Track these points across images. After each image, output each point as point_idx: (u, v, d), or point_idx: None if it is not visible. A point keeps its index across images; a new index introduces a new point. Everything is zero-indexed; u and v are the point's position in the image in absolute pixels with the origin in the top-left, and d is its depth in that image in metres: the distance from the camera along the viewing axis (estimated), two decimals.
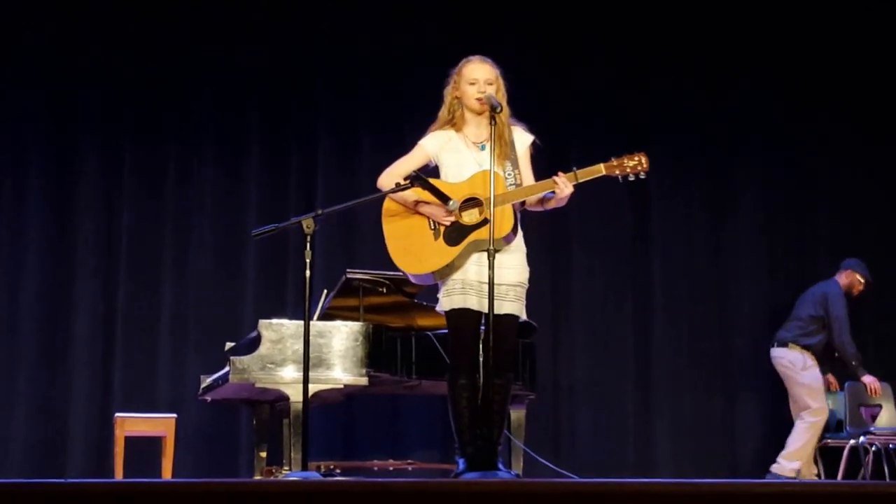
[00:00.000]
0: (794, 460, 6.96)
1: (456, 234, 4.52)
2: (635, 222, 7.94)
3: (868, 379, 7.19)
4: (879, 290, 7.71)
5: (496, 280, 4.35)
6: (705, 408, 7.78)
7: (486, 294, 4.33)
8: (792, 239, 8.03)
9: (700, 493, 3.11)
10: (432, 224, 4.56)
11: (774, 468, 7.02)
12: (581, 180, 4.49)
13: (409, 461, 6.60)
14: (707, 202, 8.02)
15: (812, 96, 8.08)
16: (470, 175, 4.55)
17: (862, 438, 7.14)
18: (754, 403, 7.81)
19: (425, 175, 4.53)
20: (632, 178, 4.54)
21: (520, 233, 4.60)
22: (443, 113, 4.68)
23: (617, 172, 4.53)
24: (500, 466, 4.45)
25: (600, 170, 4.52)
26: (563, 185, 4.45)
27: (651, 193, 7.91)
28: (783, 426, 7.69)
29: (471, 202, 4.51)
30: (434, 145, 4.66)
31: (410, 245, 4.58)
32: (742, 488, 3.25)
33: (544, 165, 4.67)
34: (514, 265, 4.54)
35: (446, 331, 4.66)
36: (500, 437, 4.56)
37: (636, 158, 4.53)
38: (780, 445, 7.45)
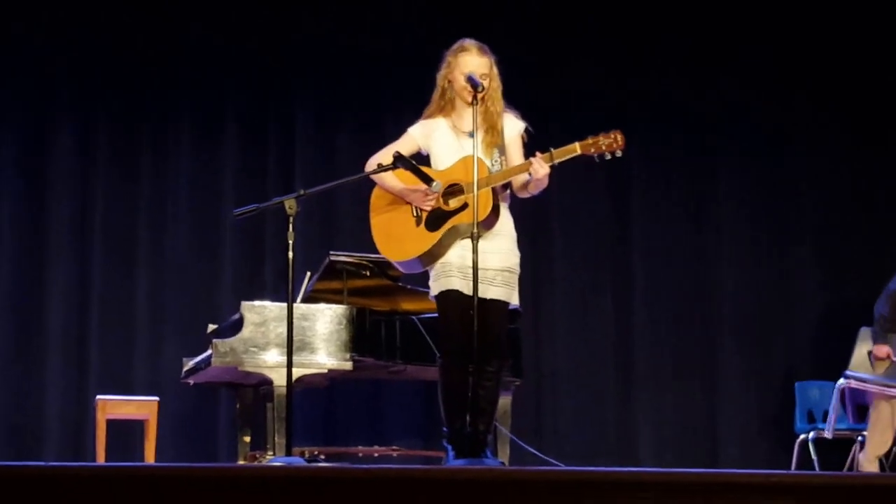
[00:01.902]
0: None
1: (436, 219, 4.50)
2: (616, 210, 7.92)
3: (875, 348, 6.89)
4: (864, 277, 7.75)
5: (482, 265, 4.33)
6: (687, 396, 7.78)
7: (470, 280, 4.30)
8: (775, 227, 8.03)
9: (691, 481, 3.12)
10: (415, 211, 4.55)
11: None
12: (557, 160, 4.43)
13: (394, 447, 6.58)
14: (688, 189, 8.00)
15: (794, 81, 8.05)
16: (454, 162, 4.53)
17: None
18: (736, 392, 7.81)
19: (417, 163, 4.51)
20: (608, 156, 4.48)
21: (509, 218, 4.58)
22: (435, 97, 4.64)
23: (593, 151, 4.47)
24: (488, 454, 4.44)
25: (576, 149, 4.46)
26: (539, 166, 4.41)
27: (632, 181, 7.89)
28: (764, 415, 7.73)
29: (453, 189, 4.50)
30: (421, 134, 4.64)
31: (393, 233, 4.57)
32: (730, 478, 3.25)
33: (529, 149, 4.64)
34: (500, 250, 4.51)
35: (431, 315, 4.64)
36: (489, 426, 4.55)
37: (612, 136, 4.47)
38: (762, 434, 7.48)
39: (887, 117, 7.98)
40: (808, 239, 8.01)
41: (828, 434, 6.99)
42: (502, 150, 4.53)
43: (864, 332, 7.08)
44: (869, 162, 8.01)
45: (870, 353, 6.88)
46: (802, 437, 7.17)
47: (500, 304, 4.50)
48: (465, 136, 4.56)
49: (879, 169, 8.01)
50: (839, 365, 7.46)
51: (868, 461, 6.57)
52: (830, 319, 7.90)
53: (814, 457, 7.04)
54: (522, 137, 4.63)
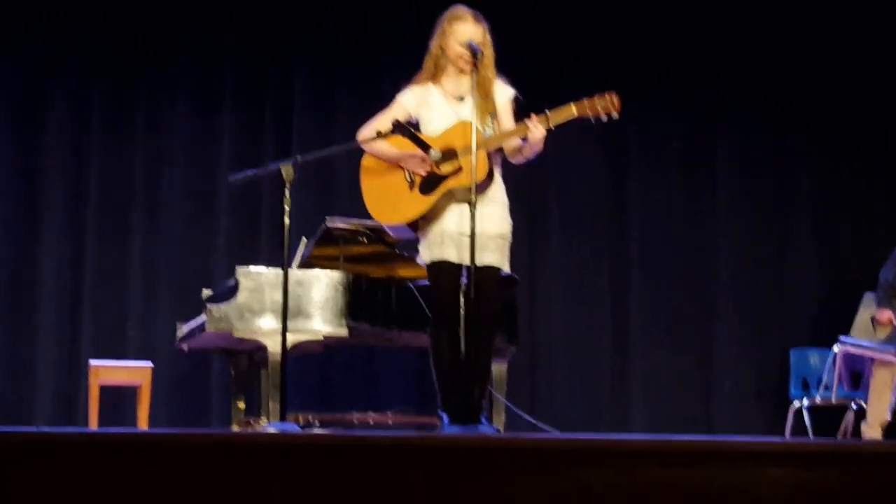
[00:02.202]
0: None
1: (431, 183, 4.49)
2: (614, 182, 7.90)
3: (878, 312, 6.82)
4: (860, 245, 7.76)
5: (477, 230, 4.31)
6: (682, 364, 7.79)
7: (466, 245, 4.29)
8: (772, 196, 8.02)
9: (685, 449, 3.12)
10: (408, 176, 4.54)
11: None
12: (553, 123, 4.43)
13: (389, 414, 6.59)
14: (687, 161, 7.98)
15: (794, 66, 8.01)
16: (447, 127, 4.51)
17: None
18: (731, 360, 7.83)
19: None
20: (604, 118, 4.47)
21: (501, 185, 4.57)
22: (428, 65, 4.62)
23: (588, 112, 4.45)
24: (483, 421, 4.44)
25: (571, 109, 4.44)
26: (535, 128, 4.40)
27: (630, 154, 7.88)
28: (759, 383, 7.74)
29: (446, 154, 4.48)
30: (412, 101, 4.62)
31: (386, 197, 4.56)
32: (723, 446, 3.26)
33: (521, 110, 4.62)
34: (493, 216, 4.50)
35: (427, 282, 4.64)
36: (483, 392, 4.55)
37: (607, 97, 4.46)
38: (756, 402, 7.50)
39: (885, 96, 7.94)
40: (805, 207, 8.00)
41: (819, 400, 6.99)
42: (494, 116, 4.53)
43: (868, 298, 7.08)
44: (867, 137, 7.98)
45: (872, 318, 6.87)
46: (796, 404, 7.19)
47: (492, 271, 4.50)
48: (458, 102, 4.55)
49: (877, 143, 7.98)
50: (834, 332, 7.47)
51: (870, 428, 6.56)
52: (826, 287, 7.91)
53: (808, 424, 7.06)
54: (512, 104, 4.61)
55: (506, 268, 4.56)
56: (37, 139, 7.40)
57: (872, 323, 6.91)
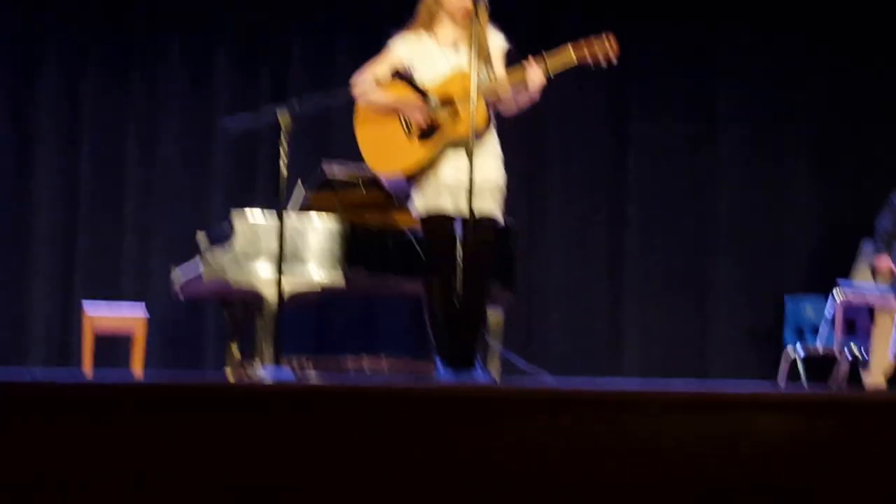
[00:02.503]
0: None
1: (429, 131, 4.47)
2: (613, 129, 7.86)
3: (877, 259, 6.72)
4: (858, 192, 7.73)
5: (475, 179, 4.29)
6: (676, 311, 7.80)
7: (463, 195, 4.27)
8: (770, 141, 7.98)
9: (678, 398, 3.12)
10: (405, 124, 4.50)
11: None
12: (551, 68, 4.41)
13: (383, 358, 6.60)
14: (685, 110, 7.93)
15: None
16: (444, 76, 4.47)
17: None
18: (726, 307, 7.83)
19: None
20: (603, 63, 4.45)
21: (496, 138, 4.54)
22: (422, 14, 4.58)
23: (586, 55, 4.43)
24: (478, 367, 4.46)
25: (569, 52, 4.42)
26: (533, 70, 4.37)
27: (629, 99, 7.83)
28: (754, 330, 7.75)
29: (445, 102, 4.46)
30: (405, 49, 4.58)
31: (383, 144, 4.53)
32: (716, 394, 3.26)
33: (517, 58, 4.58)
34: (490, 166, 4.49)
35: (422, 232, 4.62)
36: (477, 338, 4.56)
37: (604, 39, 4.44)
38: (750, 349, 7.52)
39: (886, 42, 7.86)
40: (802, 154, 7.97)
41: (821, 348, 6.97)
42: (490, 66, 4.49)
43: (867, 246, 7.05)
44: (866, 82, 7.91)
45: (872, 266, 6.82)
46: (790, 350, 7.21)
47: (490, 221, 4.49)
48: (452, 51, 4.51)
49: (876, 84, 7.93)
50: (830, 280, 7.47)
51: (872, 375, 6.54)
52: (822, 234, 7.90)
53: (801, 371, 7.08)
54: (504, 57, 4.58)
55: (500, 219, 4.54)
56: (31, 85, 7.35)
57: (871, 271, 6.88)
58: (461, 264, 4.27)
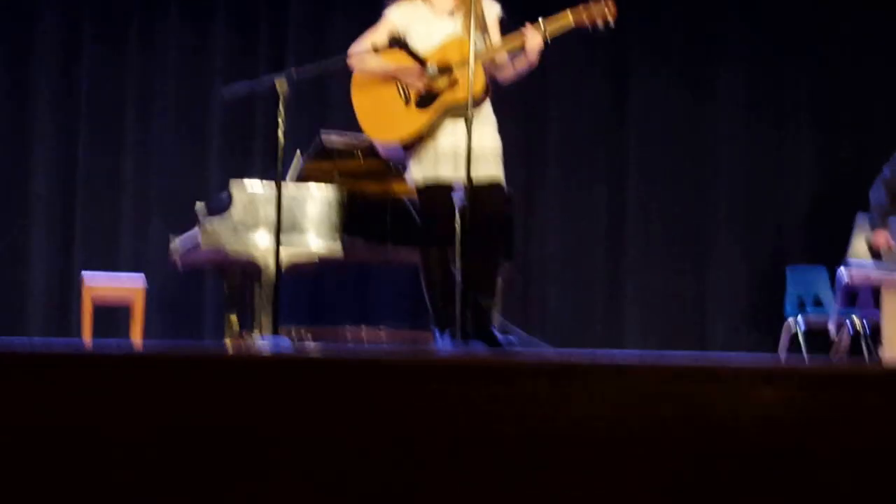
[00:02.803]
0: None
1: (427, 98, 4.44)
2: (613, 96, 7.83)
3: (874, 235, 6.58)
4: (859, 162, 7.68)
5: (473, 146, 4.27)
6: (676, 280, 7.78)
7: (462, 162, 4.25)
8: (771, 112, 7.94)
9: (677, 368, 3.11)
10: (402, 91, 4.48)
11: None
12: (549, 33, 4.39)
13: (382, 328, 6.59)
14: (686, 76, 7.89)
15: None
16: (440, 43, 4.44)
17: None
18: (726, 282, 7.81)
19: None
20: (601, 25, 4.43)
21: (489, 103, 4.52)
22: None
23: (584, 19, 4.42)
24: (496, 332, 4.45)
25: (567, 16, 4.41)
26: (531, 36, 4.35)
27: (629, 64, 7.78)
28: (754, 300, 7.73)
29: (443, 69, 4.43)
30: (400, 16, 4.55)
31: (381, 113, 4.51)
32: (716, 365, 3.25)
33: (511, 24, 4.56)
34: (488, 132, 4.48)
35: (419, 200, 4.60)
36: (492, 302, 4.54)
37: (602, 3, 4.43)
38: (751, 319, 7.50)
39: (886, 9, 7.81)
40: (804, 124, 7.93)
41: (833, 327, 6.85)
42: (486, 31, 4.46)
43: (861, 220, 6.97)
44: (866, 45, 7.86)
45: (869, 242, 6.73)
46: (791, 322, 7.18)
47: (496, 185, 4.47)
48: (447, 17, 4.49)
49: (876, 55, 7.87)
50: (831, 250, 7.44)
51: (888, 351, 6.41)
52: (824, 204, 7.86)
53: (802, 342, 7.06)
54: (498, 23, 4.54)
55: (504, 182, 4.52)
56: (28, 53, 7.34)
57: (868, 247, 6.80)
58: (466, 233, 4.24)
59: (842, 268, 6.65)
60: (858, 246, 6.80)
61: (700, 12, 7.84)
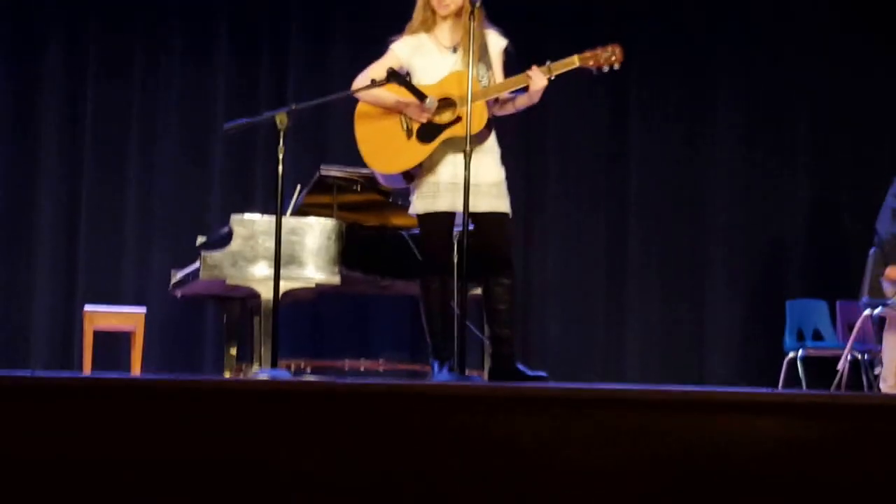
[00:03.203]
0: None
1: (429, 132, 4.48)
2: (613, 127, 7.90)
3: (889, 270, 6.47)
4: (858, 203, 7.72)
5: (474, 181, 4.31)
6: (675, 313, 7.80)
7: (460, 194, 4.28)
8: (769, 145, 7.99)
9: (676, 399, 3.12)
10: (405, 124, 4.52)
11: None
12: (555, 73, 4.43)
13: (380, 361, 6.61)
14: (685, 110, 7.96)
15: None
16: (442, 77, 4.48)
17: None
18: (724, 314, 7.82)
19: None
20: (606, 69, 4.50)
21: (493, 133, 4.56)
22: (416, 16, 4.61)
23: (591, 64, 4.48)
24: (522, 368, 4.47)
25: (574, 62, 4.47)
26: (537, 77, 4.40)
27: (629, 99, 7.86)
28: (752, 332, 7.75)
29: (444, 102, 4.46)
30: (405, 50, 4.59)
31: (383, 145, 4.55)
32: (715, 396, 3.26)
33: (519, 61, 4.59)
34: (489, 165, 4.52)
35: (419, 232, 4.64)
36: (514, 339, 4.57)
37: (610, 49, 4.49)
38: (749, 351, 7.52)
39: (881, 44, 7.86)
40: (802, 158, 7.99)
41: (842, 362, 6.72)
42: (488, 66, 4.51)
43: (875, 255, 6.87)
44: (863, 84, 7.92)
45: (880, 279, 6.52)
46: (791, 355, 7.19)
47: (499, 215, 4.51)
48: (449, 52, 4.53)
49: (872, 89, 7.93)
50: (829, 284, 7.47)
51: (889, 386, 6.38)
52: (822, 238, 7.90)
53: (801, 375, 7.06)
54: (503, 55, 4.59)
55: (508, 210, 4.56)
56: (34, 85, 7.41)
57: (880, 281, 6.71)
58: (464, 264, 4.26)
59: (863, 306, 6.54)
60: (873, 282, 6.63)
61: (697, 46, 7.91)
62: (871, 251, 6.76)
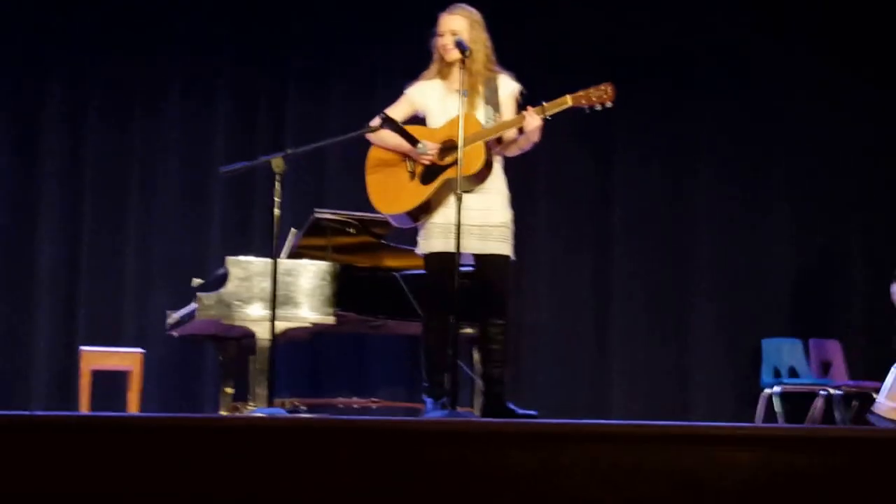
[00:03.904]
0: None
1: (430, 174, 4.61)
2: (597, 170, 7.99)
3: None
4: (833, 238, 7.89)
5: (479, 222, 4.47)
6: (659, 353, 7.89)
7: (465, 236, 4.42)
8: (750, 187, 8.11)
9: (662, 434, 3.22)
10: (410, 167, 4.66)
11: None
12: (549, 113, 4.58)
13: (374, 399, 6.69)
14: (670, 152, 8.06)
15: (781, 38, 8.08)
16: (450, 120, 4.62)
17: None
18: (707, 353, 7.92)
19: (414, 124, 4.62)
20: (598, 107, 4.65)
21: (501, 176, 4.73)
22: (433, 64, 4.77)
23: (584, 103, 4.64)
24: (513, 407, 4.57)
25: (567, 101, 4.63)
26: (531, 118, 4.54)
27: (615, 141, 7.97)
28: (733, 370, 7.85)
29: (448, 144, 4.60)
30: (418, 94, 4.77)
31: (388, 187, 4.69)
32: (698, 430, 3.35)
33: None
34: (495, 206, 4.67)
35: (413, 272, 4.76)
36: (504, 379, 4.67)
37: (602, 88, 4.65)
38: (731, 389, 7.65)
39: (863, 93, 8.04)
40: (780, 202, 8.08)
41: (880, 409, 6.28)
42: (497, 108, 4.64)
43: None
44: (842, 134, 8.06)
45: None
46: (767, 391, 7.33)
47: (501, 258, 4.65)
48: (459, 95, 4.66)
49: (854, 131, 8.09)
50: (806, 323, 7.63)
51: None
52: (799, 279, 8.02)
53: (778, 410, 7.20)
54: (517, 98, 4.74)
55: (511, 254, 4.68)
56: (35, 127, 7.46)
57: None
58: (464, 304, 4.38)
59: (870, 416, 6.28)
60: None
61: (681, 94, 8.04)
62: (892, 285, 6.53)
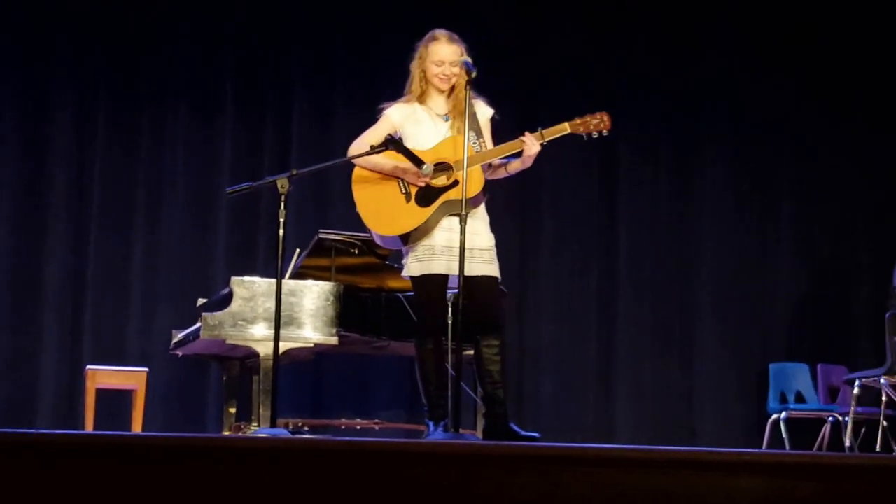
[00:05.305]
0: None
1: (427, 196, 4.61)
2: (602, 192, 8.02)
3: None
4: (840, 264, 7.88)
5: (468, 245, 4.44)
6: (665, 377, 7.89)
7: (457, 258, 4.41)
8: (755, 211, 8.12)
9: (667, 459, 3.21)
10: (403, 188, 4.65)
11: None
12: (547, 139, 4.60)
13: (376, 420, 6.69)
14: (674, 172, 8.10)
15: (781, 64, 8.12)
16: (436, 143, 4.63)
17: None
18: (713, 374, 7.91)
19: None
20: (595, 135, 4.69)
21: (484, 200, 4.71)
22: (414, 87, 4.77)
23: (581, 130, 4.68)
24: (516, 429, 4.57)
25: (565, 128, 4.66)
26: (531, 143, 4.57)
27: (619, 164, 8.00)
28: (739, 396, 7.84)
29: (440, 167, 4.60)
30: (399, 116, 4.75)
31: (383, 208, 4.67)
32: (704, 456, 3.34)
33: (513, 127, 4.75)
34: (481, 230, 4.66)
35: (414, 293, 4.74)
36: (506, 400, 4.67)
37: (598, 117, 4.68)
38: (736, 414, 7.62)
39: (868, 115, 8.05)
40: (787, 224, 8.11)
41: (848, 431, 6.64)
42: (479, 134, 4.67)
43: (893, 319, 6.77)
44: (861, 143, 8.09)
45: None
46: (774, 416, 7.30)
47: (491, 280, 4.64)
48: (442, 120, 4.67)
49: (858, 155, 8.11)
50: (813, 347, 7.61)
51: None
52: (807, 303, 8.02)
53: (784, 436, 7.17)
54: (490, 123, 4.76)
55: (498, 275, 4.69)
56: (42, 148, 7.49)
57: None
58: (458, 325, 4.38)
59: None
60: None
61: (685, 113, 8.07)
62: (888, 316, 6.62)
